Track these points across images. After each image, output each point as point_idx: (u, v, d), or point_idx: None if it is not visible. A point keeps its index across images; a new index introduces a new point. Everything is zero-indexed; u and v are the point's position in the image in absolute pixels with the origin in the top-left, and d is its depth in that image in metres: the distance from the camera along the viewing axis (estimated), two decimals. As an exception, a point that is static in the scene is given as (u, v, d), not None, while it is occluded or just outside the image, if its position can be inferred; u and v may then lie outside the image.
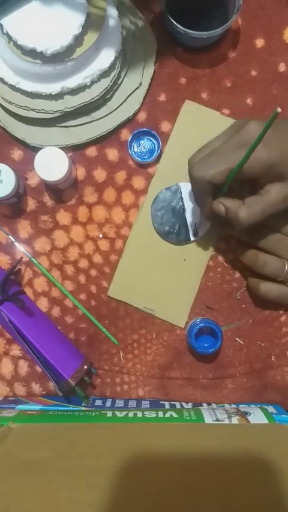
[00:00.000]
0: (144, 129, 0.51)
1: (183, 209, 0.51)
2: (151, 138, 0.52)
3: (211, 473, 0.32)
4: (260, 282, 0.48)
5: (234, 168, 0.40)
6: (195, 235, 0.51)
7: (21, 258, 0.51)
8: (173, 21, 0.46)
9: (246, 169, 0.40)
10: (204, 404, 0.50)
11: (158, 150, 0.51)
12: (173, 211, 0.51)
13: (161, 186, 0.51)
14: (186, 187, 0.51)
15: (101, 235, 0.52)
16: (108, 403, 0.50)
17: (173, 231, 0.51)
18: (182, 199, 0.51)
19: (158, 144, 0.51)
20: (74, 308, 0.52)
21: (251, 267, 0.48)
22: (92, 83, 0.49)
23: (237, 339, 0.52)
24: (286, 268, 0.47)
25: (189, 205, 0.51)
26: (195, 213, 0.51)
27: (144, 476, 0.31)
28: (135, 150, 0.52)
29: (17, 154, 0.52)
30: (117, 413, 0.43)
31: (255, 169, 0.40)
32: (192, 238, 0.51)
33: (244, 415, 0.43)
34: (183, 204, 0.51)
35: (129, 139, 0.51)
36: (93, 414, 0.43)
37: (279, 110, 0.32)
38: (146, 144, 0.52)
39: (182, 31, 0.46)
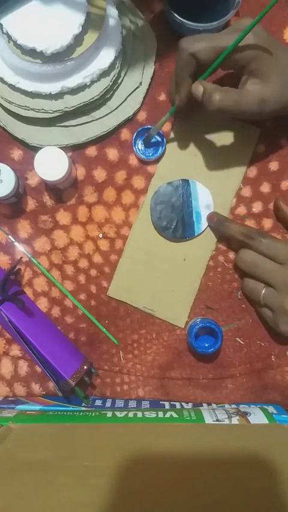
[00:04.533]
0: (149, 126, 0.50)
1: (183, 206, 0.51)
2: (156, 136, 0.51)
3: (211, 474, 0.32)
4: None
5: (226, 50, 0.41)
6: (191, 233, 0.51)
7: (21, 258, 0.51)
8: (171, 11, 0.46)
9: (235, 54, 0.42)
10: (205, 405, 0.50)
11: (162, 147, 0.51)
12: (172, 207, 0.51)
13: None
14: (188, 185, 0.51)
15: (101, 235, 0.52)
16: (108, 403, 0.50)
17: (170, 226, 0.51)
18: (182, 195, 0.51)
19: (163, 141, 0.51)
20: (74, 308, 0.52)
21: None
22: (92, 82, 0.49)
23: (237, 339, 0.52)
24: (263, 291, 0.47)
25: (189, 204, 0.51)
26: (195, 212, 0.51)
27: (144, 476, 0.31)
28: (140, 147, 0.52)
29: (16, 154, 0.52)
30: (117, 414, 0.43)
31: (242, 55, 0.42)
32: (187, 236, 0.51)
33: (244, 415, 0.42)
34: (183, 201, 0.51)
35: (133, 136, 0.51)
36: (93, 414, 0.43)
37: None
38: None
39: (178, 20, 0.46)
